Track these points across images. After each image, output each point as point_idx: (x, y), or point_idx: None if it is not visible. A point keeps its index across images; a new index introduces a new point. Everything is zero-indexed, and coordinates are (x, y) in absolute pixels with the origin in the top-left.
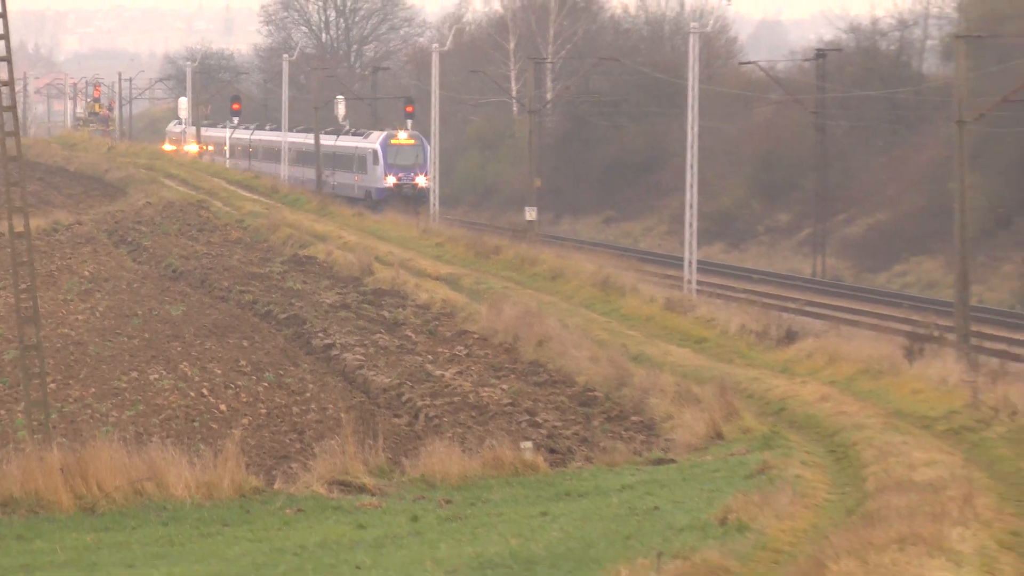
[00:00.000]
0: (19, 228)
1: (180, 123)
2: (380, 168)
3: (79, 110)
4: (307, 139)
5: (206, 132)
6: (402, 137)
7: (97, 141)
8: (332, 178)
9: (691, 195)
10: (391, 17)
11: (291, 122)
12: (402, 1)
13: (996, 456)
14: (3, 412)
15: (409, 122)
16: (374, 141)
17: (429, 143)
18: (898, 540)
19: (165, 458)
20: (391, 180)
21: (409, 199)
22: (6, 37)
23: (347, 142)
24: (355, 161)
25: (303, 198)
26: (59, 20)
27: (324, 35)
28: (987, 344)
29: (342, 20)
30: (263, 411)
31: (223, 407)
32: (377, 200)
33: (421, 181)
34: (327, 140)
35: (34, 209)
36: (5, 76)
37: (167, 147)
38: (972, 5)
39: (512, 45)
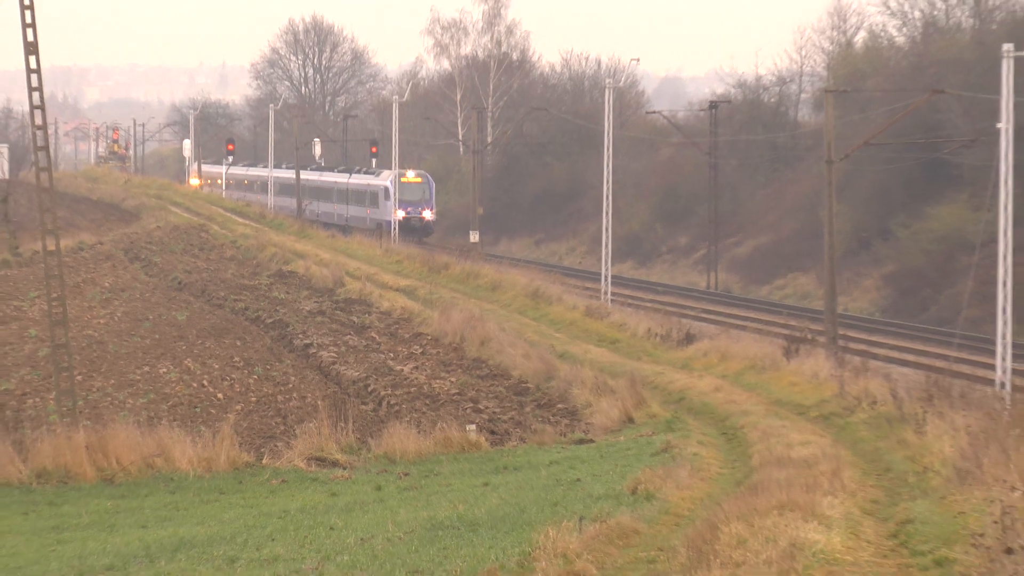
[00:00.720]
0: (51, 247)
1: (210, 162)
2: (391, 203)
3: (100, 150)
4: (291, 174)
5: (206, 168)
6: (411, 175)
7: (115, 175)
8: (346, 211)
9: (606, 221)
10: (359, 73)
11: (276, 160)
12: (368, 60)
13: (859, 438)
14: (37, 400)
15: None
16: (385, 179)
17: (434, 182)
18: (778, 507)
19: (172, 438)
20: (401, 214)
21: (416, 230)
22: (40, 89)
23: (360, 179)
24: (367, 196)
25: (286, 223)
26: (83, 74)
27: (303, 88)
28: (851, 345)
29: (318, 76)
30: (253, 399)
31: (220, 396)
32: (387, 231)
33: (427, 215)
34: (340, 178)
35: (63, 231)
36: (39, 122)
37: (193, 181)
38: (838, 65)
39: (459, 97)
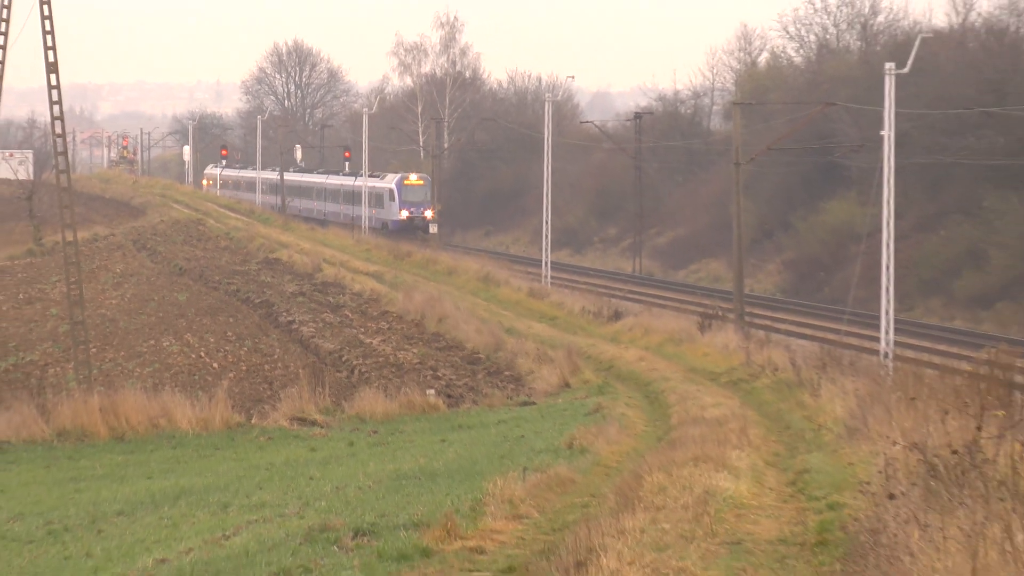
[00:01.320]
0: (69, 238)
1: (215, 166)
2: (396, 204)
3: (112, 155)
4: (276, 175)
5: (206, 170)
6: (413, 178)
7: (125, 177)
8: (352, 211)
9: (546, 215)
10: (334, 89)
11: (265, 163)
12: (342, 78)
13: (763, 400)
14: (58, 369)
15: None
16: (390, 182)
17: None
18: (693, 459)
19: (174, 401)
20: (404, 213)
21: (418, 228)
22: (59, 103)
23: (369, 181)
24: (372, 198)
25: (272, 218)
26: (97, 90)
27: (286, 102)
28: (756, 321)
29: (299, 91)
30: (243, 368)
31: (215, 365)
32: (393, 230)
33: (428, 214)
34: (346, 181)
35: (80, 225)
36: (59, 131)
37: (205, 183)
38: (744, 81)
39: (420, 109)
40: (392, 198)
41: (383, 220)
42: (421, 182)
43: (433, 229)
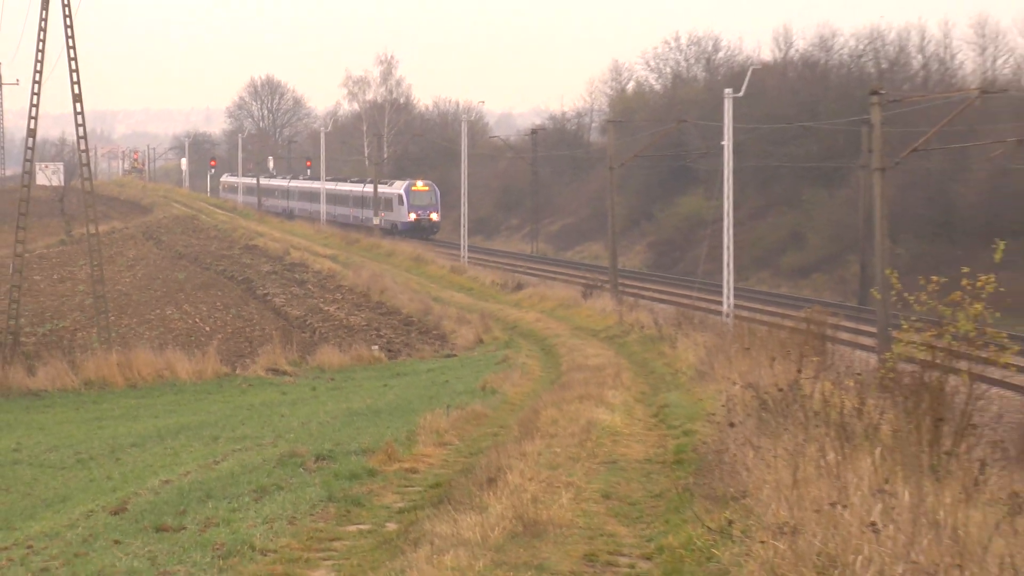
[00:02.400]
0: (93, 231)
1: (230, 175)
2: (404, 207)
3: (125, 166)
4: (262, 181)
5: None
6: (420, 185)
7: (136, 183)
8: (361, 214)
9: (464, 208)
10: (298, 112)
11: (244, 171)
12: (304, 104)
13: (632, 351)
14: (84, 333)
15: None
16: (399, 188)
17: (439, 190)
18: (579, 397)
19: (175, 357)
20: (412, 216)
21: (424, 229)
22: (83, 125)
23: (379, 188)
24: (382, 202)
25: (251, 213)
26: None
27: (261, 123)
28: (627, 290)
29: (271, 115)
30: (229, 331)
31: (207, 328)
32: (402, 231)
33: (434, 216)
34: (355, 187)
35: (101, 220)
36: (84, 147)
37: (223, 191)
38: (616, 104)
39: (364, 128)
40: (401, 202)
41: (392, 222)
42: (427, 188)
43: (376, 221)
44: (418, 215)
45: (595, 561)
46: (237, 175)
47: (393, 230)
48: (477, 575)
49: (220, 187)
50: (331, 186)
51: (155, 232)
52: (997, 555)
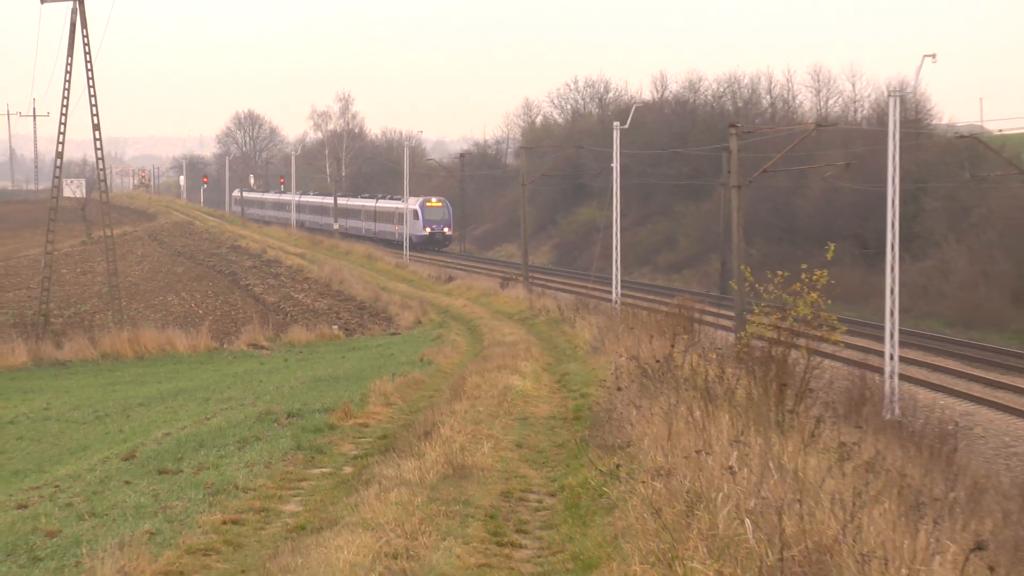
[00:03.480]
0: (109, 233)
1: (239, 191)
2: (420, 222)
3: (135, 182)
4: (253, 194)
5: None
6: (434, 201)
7: (143, 196)
8: (374, 227)
9: (407, 217)
10: (274, 139)
11: (231, 186)
12: (278, 132)
13: (540, 330)
14: (102, 315)
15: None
16: (414, 204)
17: (452, 206)
18: (497, 367)
19: (175, 335)
20: (427, 230)
21: (438, 242)
22: (101, 149)
23: (392, 204)
24: (396, 217)
25: (236, 220)
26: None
27: (244, 147)
28: (536, 281)
29: (251, 140)
30: (218, 313)
31: (200, 311)
32: (416, 243)
33: (447, 230)
34: (368, 203)
35: (115, 225)
36: (101, 167)
37: (243, 209)
38: (527, 133)
39: (327, 152)
40: (416, 217)
41: (409, 235)
42: (440, 204)
43: (336, 226)
44: (432, 229)
45: (510, 497)
46: (253, 192)
47: (408, 242)
48: (416, 508)
49: (232, 201)
50: (343, 201)
51: (158, 235)
52: (829, 492)
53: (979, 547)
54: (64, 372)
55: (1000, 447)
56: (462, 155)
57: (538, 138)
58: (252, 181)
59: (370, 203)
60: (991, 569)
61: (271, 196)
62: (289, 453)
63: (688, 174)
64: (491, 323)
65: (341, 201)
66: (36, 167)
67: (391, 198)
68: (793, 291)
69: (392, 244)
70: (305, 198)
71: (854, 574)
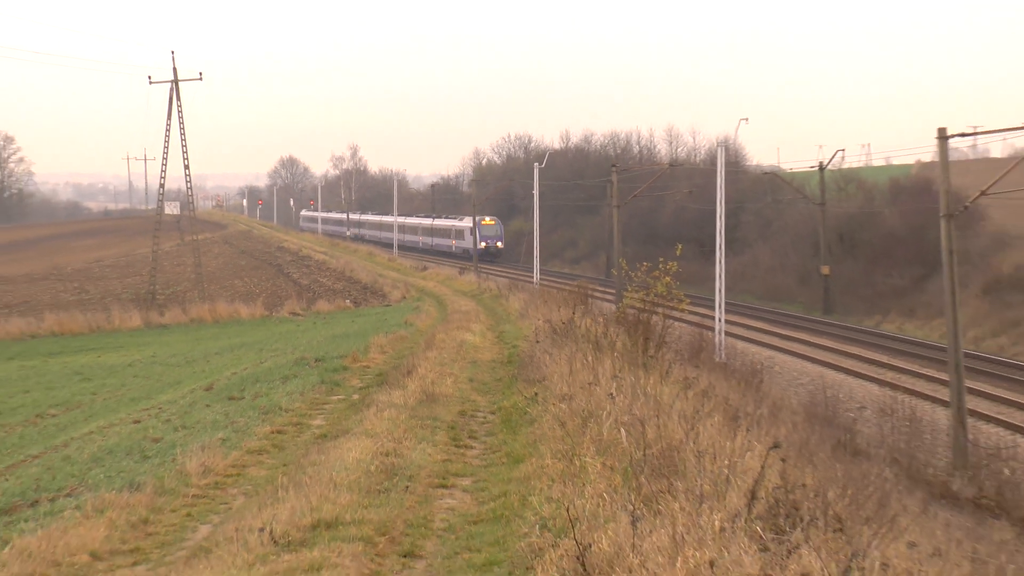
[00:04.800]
0: (195, 238)
1: (307, 210)
2: (476, 237)
3: (213, 204)
4: (310, 213)
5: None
6: (488, 219)
7: (219, 213)
8: (431, 242)
9: (396, 229)
10: (307, 175)
11: (278, 207)
12: (310, 170)
13: (486, 303)
14: (189, 293)
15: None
16: (469, 222)
17: (504, 225)
18: (456, 327)
19: (239, 306)
20: (483, 244)
21: (493, 255)
22: (190, 181)
23: (450, 222)
24: (454, 233)
25: (282, 229)
26: (205, 176)
27: (286, 180)
28: (483, 270)
29: (292, 176)
30: (268, 291)
31: (256, 291)
32: (471, 257)
33: (500, 244)
34: (425, 221)
35: (199, 233)
36: (191, 195)
37: (302, 224)
38: (477, 171)
39: (341, 184)
40: (472, 233)
41: (465, 248)
42: (493, 222)
43: (348, 232)
44: (487, 243)
45: (465, 414)
46: (318, 211)
47: (465, 255)
48: (401, 422)
49: (300, 219)
50: (401, 220)
51: (228, 239)
52: (677, 410)
53: (776, 445)
54: (164, 332)
55: (791, 380)
56: (433, 186)
57: (483, 174)
58: (291, 203)
59: (427, 221)
60: (783, 460)
61: (409, 220)
62: (316, 386)
63: (584, 198)
64: (452, 298)
65: (400, 219)
66: (146, 194)
67: (447, 217)
68: (654, 276)
69: (447, 256)
70: (366, 216)
71: (694, 464)
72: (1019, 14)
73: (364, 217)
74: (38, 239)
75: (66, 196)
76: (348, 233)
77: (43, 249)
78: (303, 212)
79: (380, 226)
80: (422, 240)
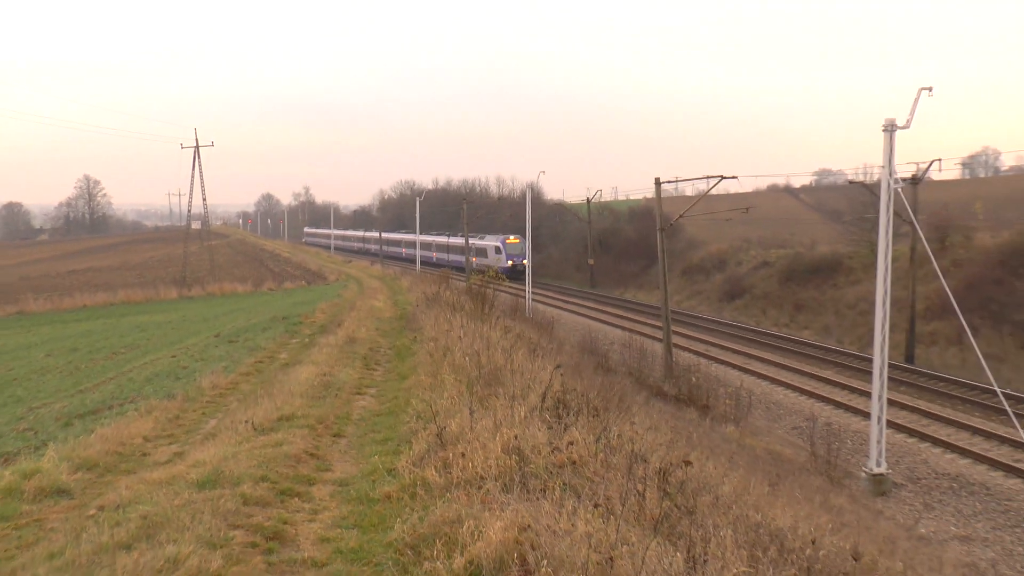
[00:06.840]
0: (209, 244)
1: (309, 227)
2: (503, 256)
3: (220, 222)
4: (311, 229)
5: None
6: (512, 238)
7: (224, 228)
8: (448, 258)
9: (332, 238)
10: (280, 204)
11: (261, 224)
12: (280, 201)
13: (388, 282)
14: (206, 277)
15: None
16: (495, 240)
17: (527, 241)
18: (369, 298)
19: (237, 285)
20: (509, 262)
21: (519, 272)
22: (205, 206)
23: (479, 240)
24: (480, 251)
25: (287, 244)
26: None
27: (265, 207)
28: (387, 263)
29: (269, 203)
30: (255, 276)
31: (247, 276)
32: (500, 273)
33: (525, 262)
34: (440, 238)
35: (212, 240)
36: (206, 216)
37: (305, 239)
38: (382, 203)
39: (299, 209)
40: (498, 251)
41: (490, 265)
42: (518, 241)
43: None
44: (513, 262)
45: (373, 350)
46: (316, 228)
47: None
48: (334, 356)
49: (304, 236)
50: (424, 238)
51: (231, 245)
52: (501, 346)
53: (558, 366)
54: (191, 302)
55: (571, 327)
56: (355, 211)
57: (385, 204)
58: (268, 222)
59: (442, 238)
60: (563, 375)
61: (437, 238)
62: (282, 334)
63: (448, 220)
64: (367, 280)
65: (422, 237)
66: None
67: (477, 236)
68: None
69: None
70: (387, 234)
71: (509, 378)
72: (694, 109)
73: (387, 235)
74: (114, 244)
75: (131, 218)
76: (373, 249)
77: (117, 251)
78: (306, 229)
79: (399, 243)
80: (436, 256)
